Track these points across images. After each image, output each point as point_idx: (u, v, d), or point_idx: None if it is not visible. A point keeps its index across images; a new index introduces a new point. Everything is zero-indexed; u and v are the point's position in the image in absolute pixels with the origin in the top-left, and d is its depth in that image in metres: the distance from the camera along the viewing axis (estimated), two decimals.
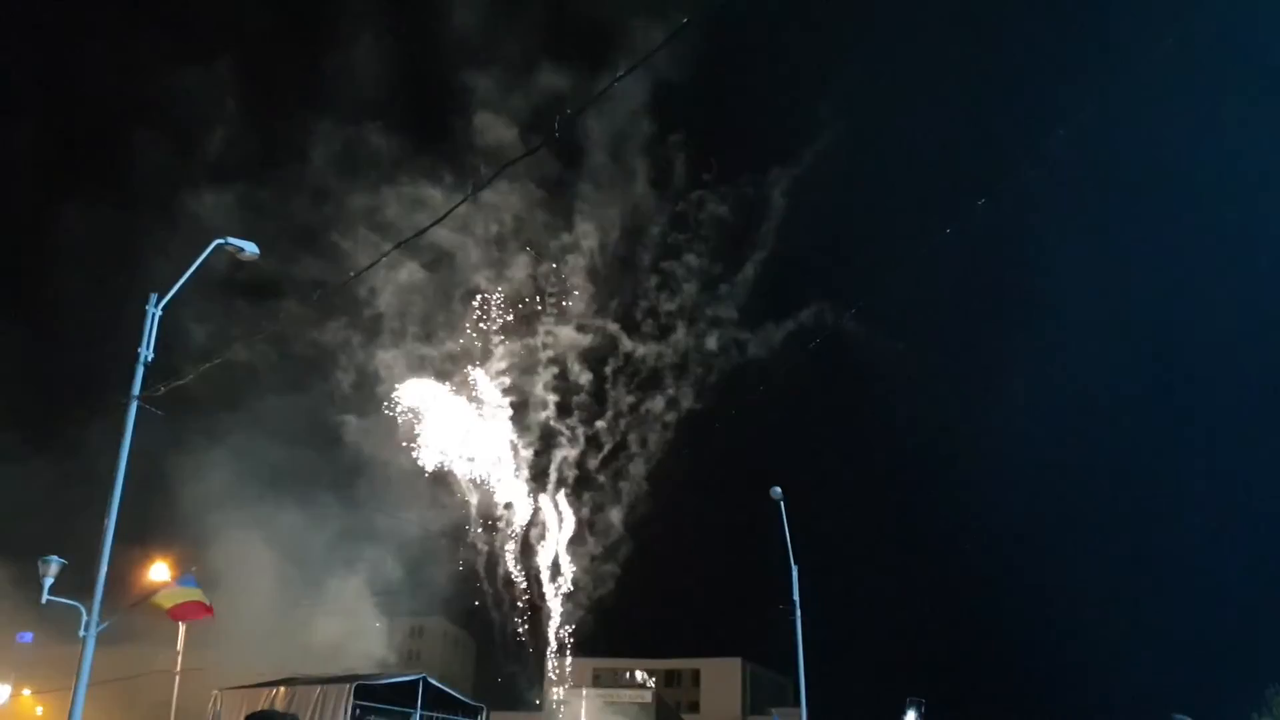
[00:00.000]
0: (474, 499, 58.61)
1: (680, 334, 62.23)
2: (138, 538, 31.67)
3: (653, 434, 61.94)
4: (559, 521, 59.86)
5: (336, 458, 55.85)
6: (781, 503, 29.38)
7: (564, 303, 60.16)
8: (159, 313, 18.58)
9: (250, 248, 19.34)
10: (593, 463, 61.10)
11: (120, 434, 17.81)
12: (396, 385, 56.73)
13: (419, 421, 56.47)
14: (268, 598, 49.57)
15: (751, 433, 62.23)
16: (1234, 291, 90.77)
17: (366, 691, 30.49)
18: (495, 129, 57.25)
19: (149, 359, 18.24)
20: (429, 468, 56.35)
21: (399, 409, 56.19)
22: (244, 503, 50.99)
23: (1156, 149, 78.58)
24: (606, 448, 61.34)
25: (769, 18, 72.72)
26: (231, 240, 19.24)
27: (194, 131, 64.81)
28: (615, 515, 60.61)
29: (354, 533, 56.38)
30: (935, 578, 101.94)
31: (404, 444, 56.21)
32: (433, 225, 37.09)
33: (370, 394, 57.18)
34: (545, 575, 60.12)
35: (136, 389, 18.10)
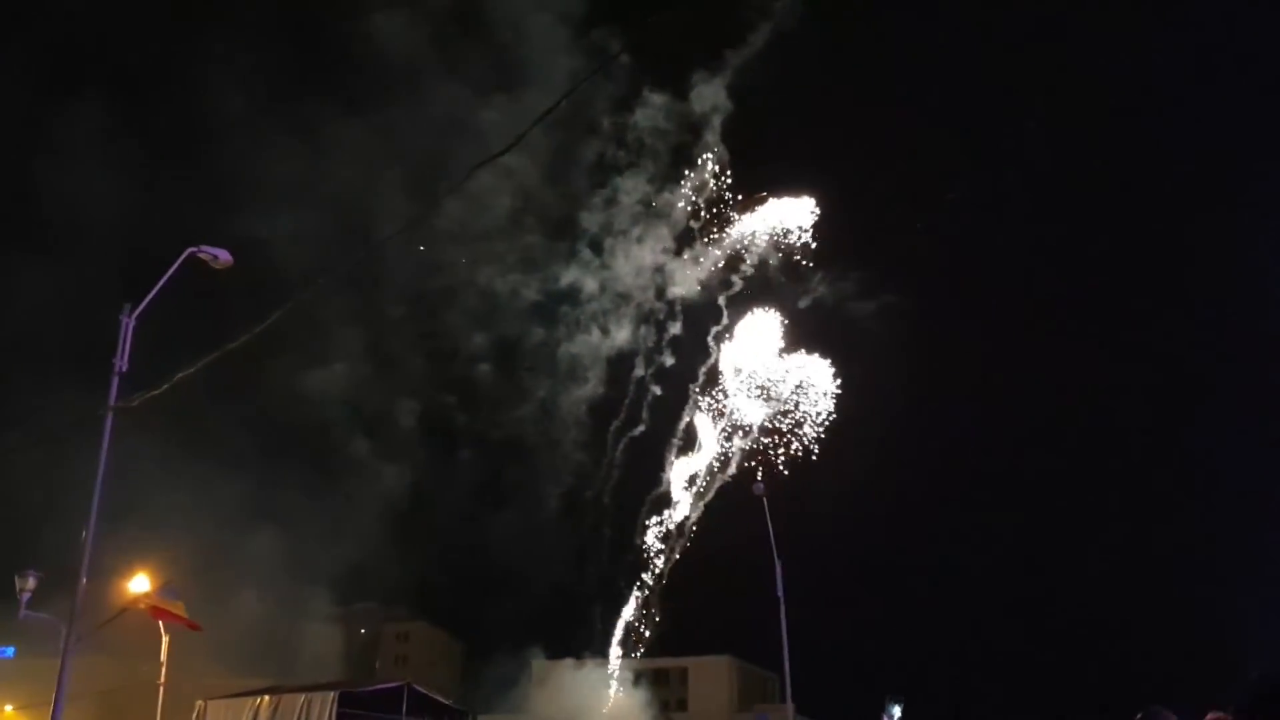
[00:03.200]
0: None
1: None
2: (119, 549, 31.52)
3: None
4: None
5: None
6: (764, 498, 29.49)
7: None
8: (133, 322, 18.46)
9: (223, 255, 19.25)
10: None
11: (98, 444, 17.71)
12: None
13: None
14: (251, 607, 49.43)
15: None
16: None
17: (351, 699, 30.35)
18: None
19: (123, 369, 18.12)
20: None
21: None
22: (226, 510, 50.86)
23: None
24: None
25: None
26: (205, 248, 19.14)
27: None
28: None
29: (338, 537, 56.28)
30: (922, 575, 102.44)
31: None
32: (501, 154, 36.78)
33: None
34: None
35: (112, 399, 17.98)
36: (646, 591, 59.39)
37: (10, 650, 35.56)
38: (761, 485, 29.39)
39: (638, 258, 59.40)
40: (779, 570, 29.13)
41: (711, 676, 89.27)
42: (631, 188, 59.26)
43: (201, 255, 19.06)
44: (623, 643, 60.98)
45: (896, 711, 28.58)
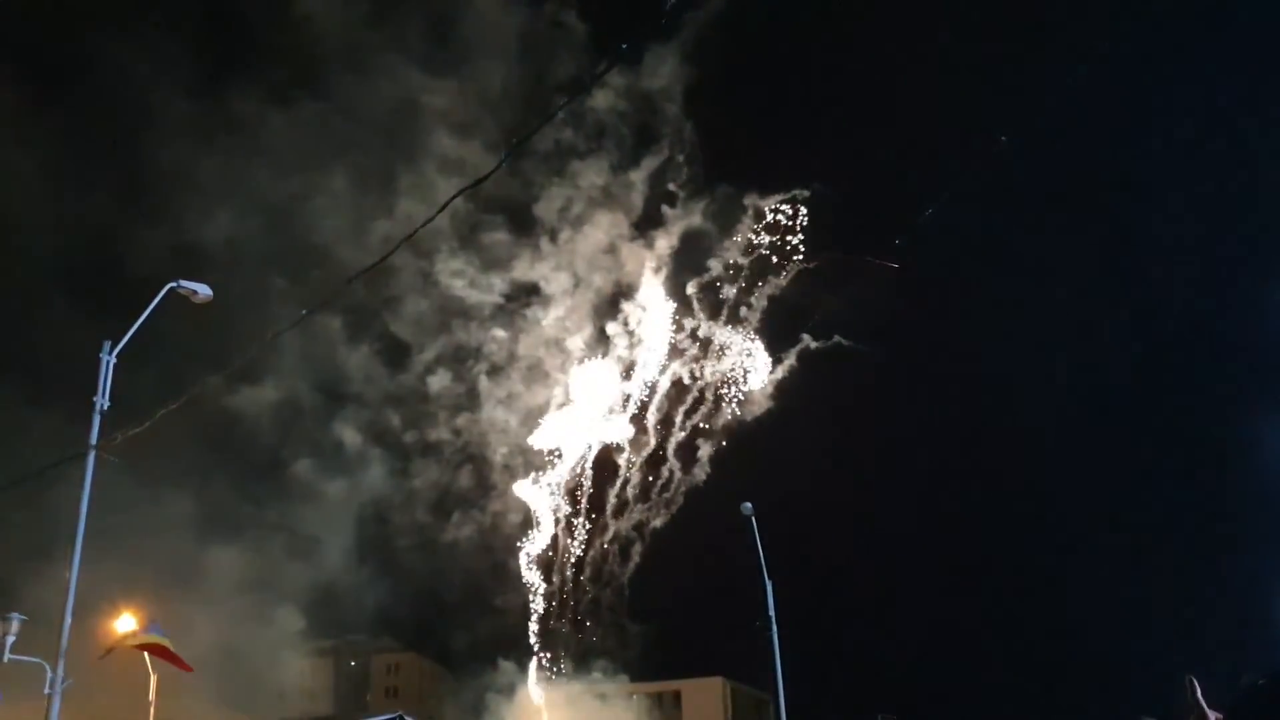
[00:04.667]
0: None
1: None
2: (103, 590, 31.18)
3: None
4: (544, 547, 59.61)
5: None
6: (752, 519, 29.40)
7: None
8: (114, 360, 18.39)
9: (203, 290, 19.22)
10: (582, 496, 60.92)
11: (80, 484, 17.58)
12: None
13: None
14: (238, 643, 48.99)
15: (727, 449, 62.22)
16: None
17: None
18: None
19: (105, 407, 18.03)
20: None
21: None
22: (204, 544, 50.49)
23: None
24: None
25: None
26: (184, 283, 19.12)
27: None
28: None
29: (328, 569, 55.83)
30: (913, 592, 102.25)
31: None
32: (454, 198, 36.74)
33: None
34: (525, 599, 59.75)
35: (94, 438, 17.88)
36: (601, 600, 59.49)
37: None
38: (750, 506, 29.28)
39: (596, 244, 58.80)
40: (769, 590, 29.06)
41: (705, 698, 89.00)
42: (590, 172, 57.93)
43: (181, 290, 19.05)
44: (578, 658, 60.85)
45: None
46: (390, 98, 61.92)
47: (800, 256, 57.56)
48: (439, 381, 57.85)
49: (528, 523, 58.49)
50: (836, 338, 59.18)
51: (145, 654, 26.25)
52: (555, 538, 59.22)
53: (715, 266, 58.75)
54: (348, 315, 56.12)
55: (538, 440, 57.83)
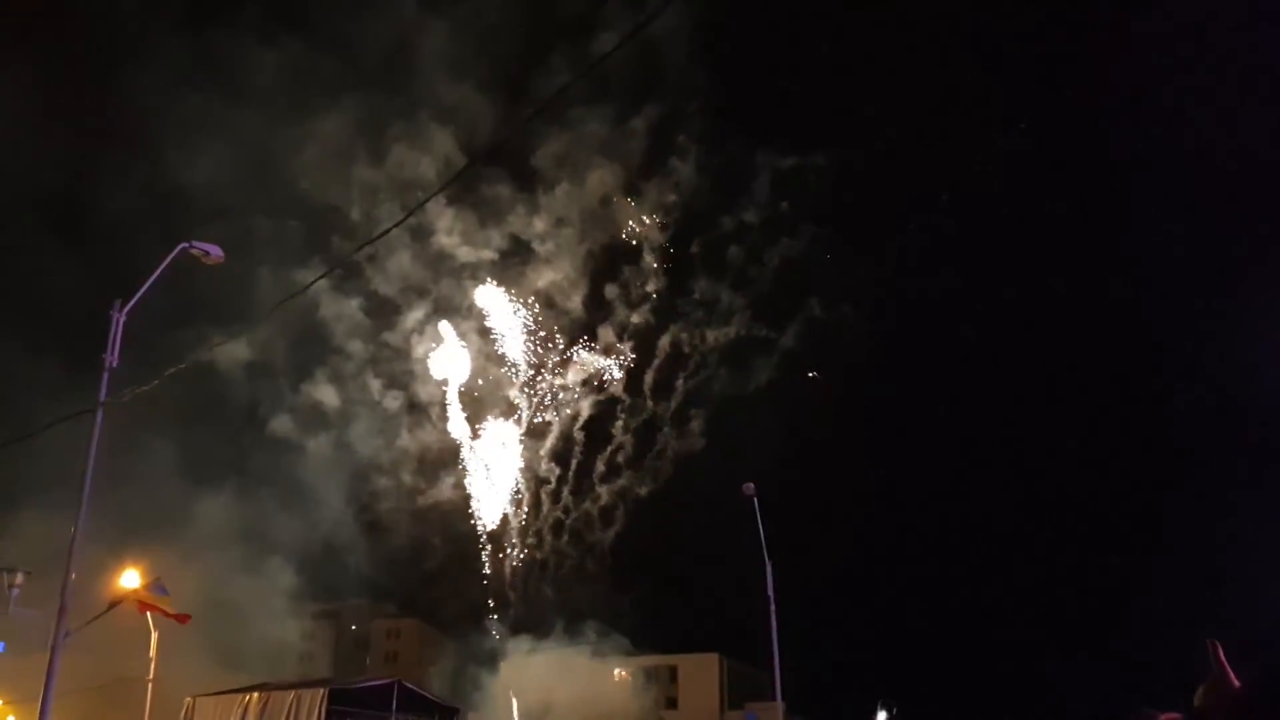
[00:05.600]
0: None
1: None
2: (108, 544, 31.40)
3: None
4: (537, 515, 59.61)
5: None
6: (755, 499, 29.48)
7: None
8: (124, 318, 18.43)
9: (215, 251, 19.22)
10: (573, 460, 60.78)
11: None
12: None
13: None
14: (239, 603, 49.29)
15: (731, 428, 62.18)
16: None
17: (341, 696, 30.36)
18: None
19: (114, 364, 18.08)
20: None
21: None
22: (214, 505, 50.73)
23: None
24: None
25: None
26: (197, 244, 19.12)
27: None
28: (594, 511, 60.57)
29: (333, 534, 56.06)
30: (910, 573, 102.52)
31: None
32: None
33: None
34: (521, 571, 59.79)
35: (103, 394, 17.94)
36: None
37: (0, 645, 35.46)
38: (752, 486, 29.36)
39: (594, 198, 57.40)
40: (769, 570, 29.18)
41: (701, 674, 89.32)
42: (593, 121, 56.76)
43: (194, 251, 19.04)
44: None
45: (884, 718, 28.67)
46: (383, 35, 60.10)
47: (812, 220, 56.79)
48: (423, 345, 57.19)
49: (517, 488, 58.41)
50: (845, 306, 58.80)
51: (147, 614, 26.46)
52: (539, 503, 59.22)
53: (727, 224, 57.61)
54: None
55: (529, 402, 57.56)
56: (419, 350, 57.02)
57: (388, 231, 44.45)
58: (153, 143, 61.50)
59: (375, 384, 57.12)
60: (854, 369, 70.00)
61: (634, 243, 58.90)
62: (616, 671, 73.49)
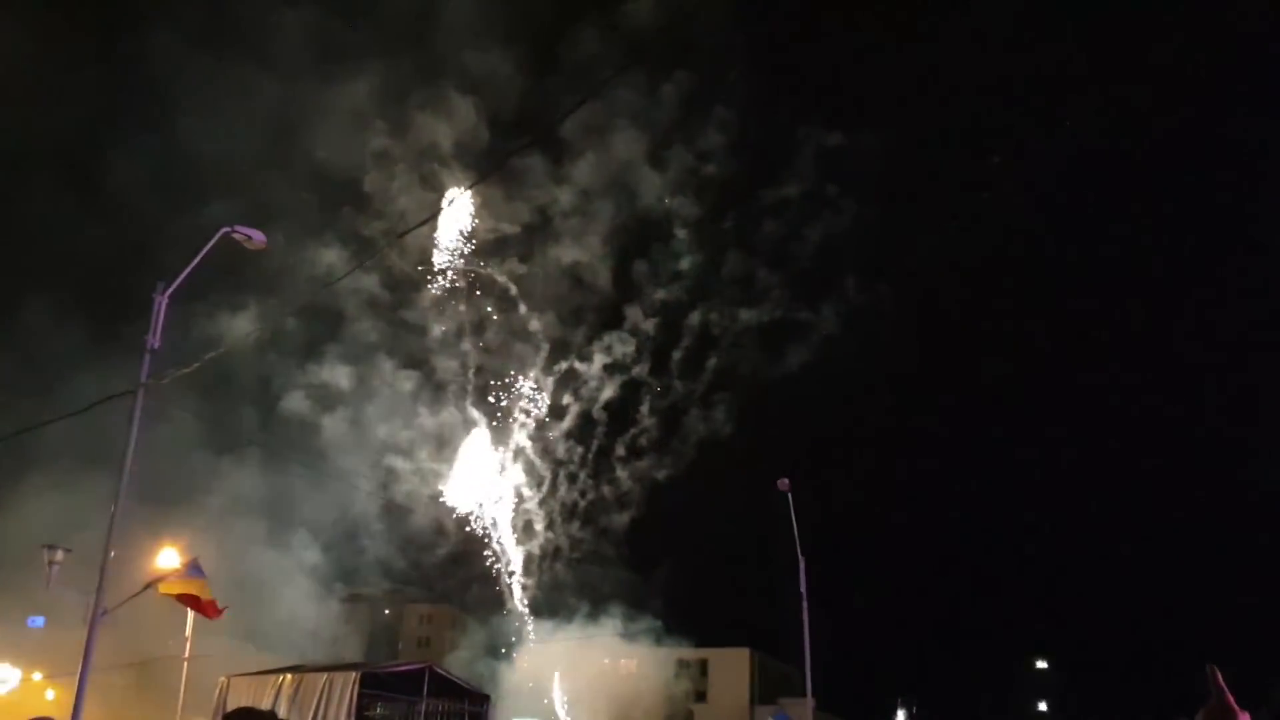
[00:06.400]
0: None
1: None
2: (149, 524, 31.79)
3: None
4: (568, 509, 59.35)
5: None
6: (789, 495, 29.33)
7: None
8: (165, 301, 18.55)
9: (258, 235, 19.28)
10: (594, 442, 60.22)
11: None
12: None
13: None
14: (277, 586, 49.76)
15: (761, 422, 61.88)
16: None
17: (372, 680, 30.48)
18: None
19: (155, 346, 18.21)
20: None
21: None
22: (253, 489, 51.17)
23: None
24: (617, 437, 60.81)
25: None
26: (239, 228, 19.17)
27: None
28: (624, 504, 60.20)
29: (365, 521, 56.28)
30: (941, 572, 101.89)
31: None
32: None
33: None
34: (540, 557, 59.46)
35: (144, 376, 18.08)
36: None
37: (40, 620, 36.06)
38: (787, 481, 29.22)
39: (623, 165, 55.49)
40: (802, 566, 29.06)
41: (731, 668, 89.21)
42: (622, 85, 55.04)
43: (236, 235, 19.10)
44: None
45: (903, 717, 28.49)
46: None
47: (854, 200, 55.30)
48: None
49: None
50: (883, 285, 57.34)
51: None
52: (557, 489, 58.71)
53: (766, 197, 56.12)
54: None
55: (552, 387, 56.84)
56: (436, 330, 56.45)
57: (428, 221, 44.58)
58: (167, 107, 60.89)
59: (388, 365, 56.69)
60: (891, 355, 69.32)
61: (665, 217, 57.72)
62: (635, 662, 73.31)
